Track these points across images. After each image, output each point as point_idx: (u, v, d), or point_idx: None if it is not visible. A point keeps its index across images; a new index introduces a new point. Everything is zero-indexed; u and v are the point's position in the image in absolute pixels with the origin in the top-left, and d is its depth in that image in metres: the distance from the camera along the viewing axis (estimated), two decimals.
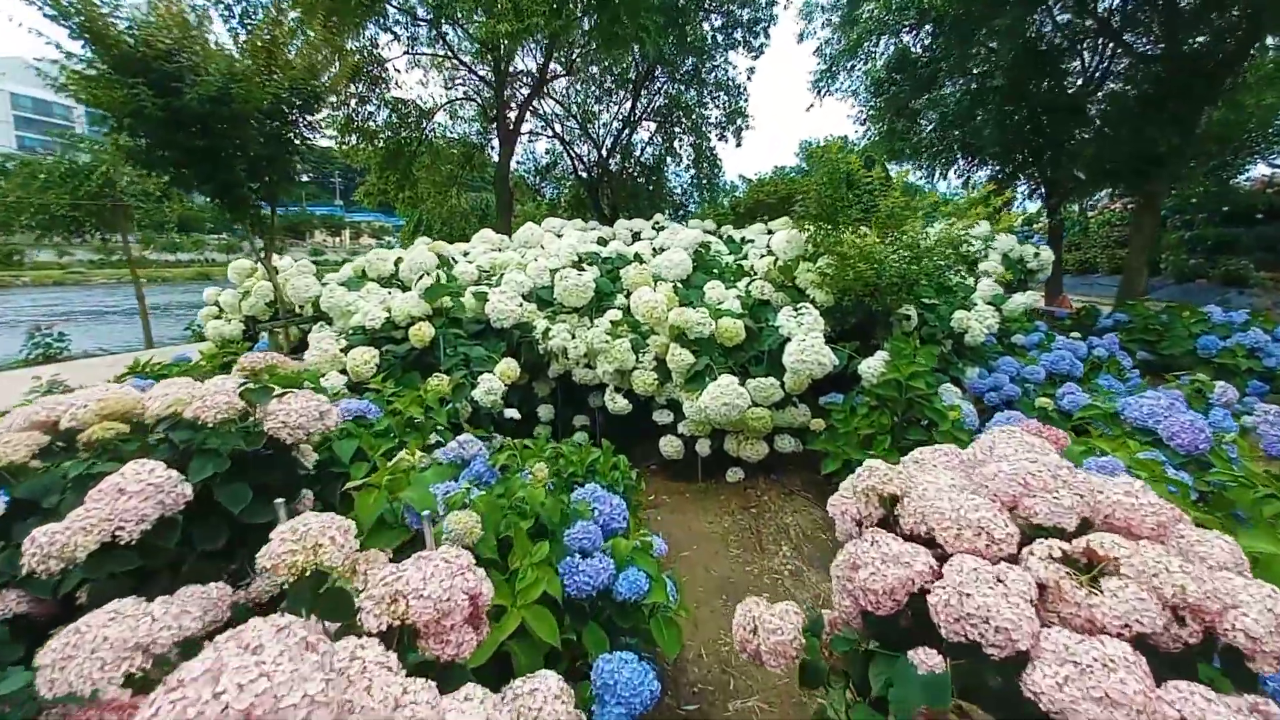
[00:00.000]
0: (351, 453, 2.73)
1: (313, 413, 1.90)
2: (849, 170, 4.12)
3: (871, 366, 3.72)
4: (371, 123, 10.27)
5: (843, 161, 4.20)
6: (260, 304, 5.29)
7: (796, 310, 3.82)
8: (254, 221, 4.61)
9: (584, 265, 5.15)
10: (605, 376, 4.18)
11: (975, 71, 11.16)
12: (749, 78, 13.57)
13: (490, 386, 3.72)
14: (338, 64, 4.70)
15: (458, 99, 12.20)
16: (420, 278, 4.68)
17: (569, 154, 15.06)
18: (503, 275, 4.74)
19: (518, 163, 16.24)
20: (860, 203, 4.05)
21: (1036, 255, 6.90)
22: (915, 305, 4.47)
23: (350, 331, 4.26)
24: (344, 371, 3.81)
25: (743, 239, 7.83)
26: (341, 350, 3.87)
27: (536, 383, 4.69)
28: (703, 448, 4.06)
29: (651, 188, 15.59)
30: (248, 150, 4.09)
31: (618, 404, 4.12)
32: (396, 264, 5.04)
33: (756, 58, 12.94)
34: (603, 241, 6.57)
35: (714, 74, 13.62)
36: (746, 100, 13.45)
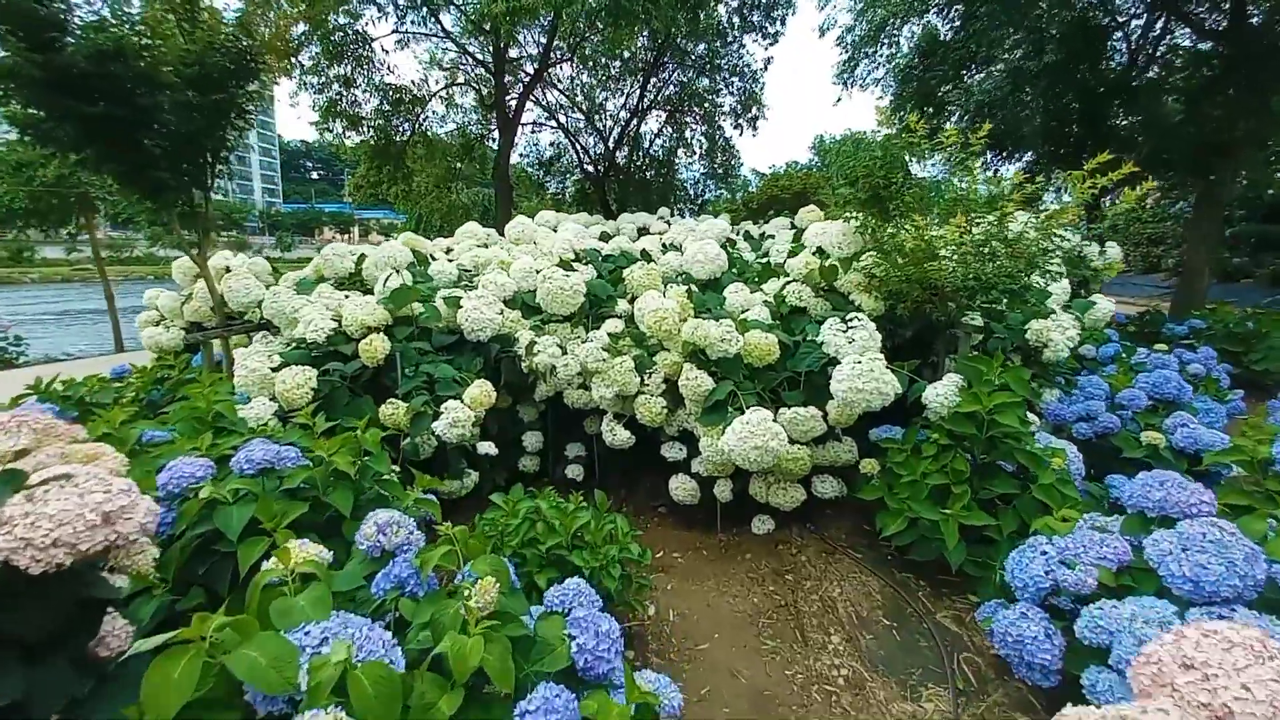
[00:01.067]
0: (242, 525, 1.98)
1: (89, 520, 1.12)
2: (917, 146, 3.28)
3: (941, 394, 2.90)
4: (358, 109, 9.50)
5: (903, 140, 3.36)
6: (205, 308, 4.54)
7: (846, 323, 3.00)
8: (185, 213, 3.86)
9: (576, 264, 4.36)
10: (603, 402, 3.39)
11: (1014, 54, 10.22)
12: (765, 67, 12.71)
13: (456, 417, 2.94)
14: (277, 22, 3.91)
15: (454, 84, 11.42)
16: (387, 277, 3.91)
17: (574, 146, 14.27)
18: (483, 276, 3.96)
19: (520, 155, 15.50)
20: (924, 185, 3.22)
21: (1102, 253, 6.02)
22: (980, 313, 3.66)
23: (293, 345, 3.51)
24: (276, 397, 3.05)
25: (762, 234, 7.06)
26: (274, 369, 3.11)
27: (522, 406, 3.91)
28: (723, 491, 3.26)
29: (662, 181, 14.78)
30: (163, 123, 3.34)
31: (618, 436, 3.33)
32: (359, 262, 4.28)
33: (772, 45, 12.08)
34: (606, 237, 5.78)
35: (727, 59, 12.77)
36: (762, 87, 12.58)
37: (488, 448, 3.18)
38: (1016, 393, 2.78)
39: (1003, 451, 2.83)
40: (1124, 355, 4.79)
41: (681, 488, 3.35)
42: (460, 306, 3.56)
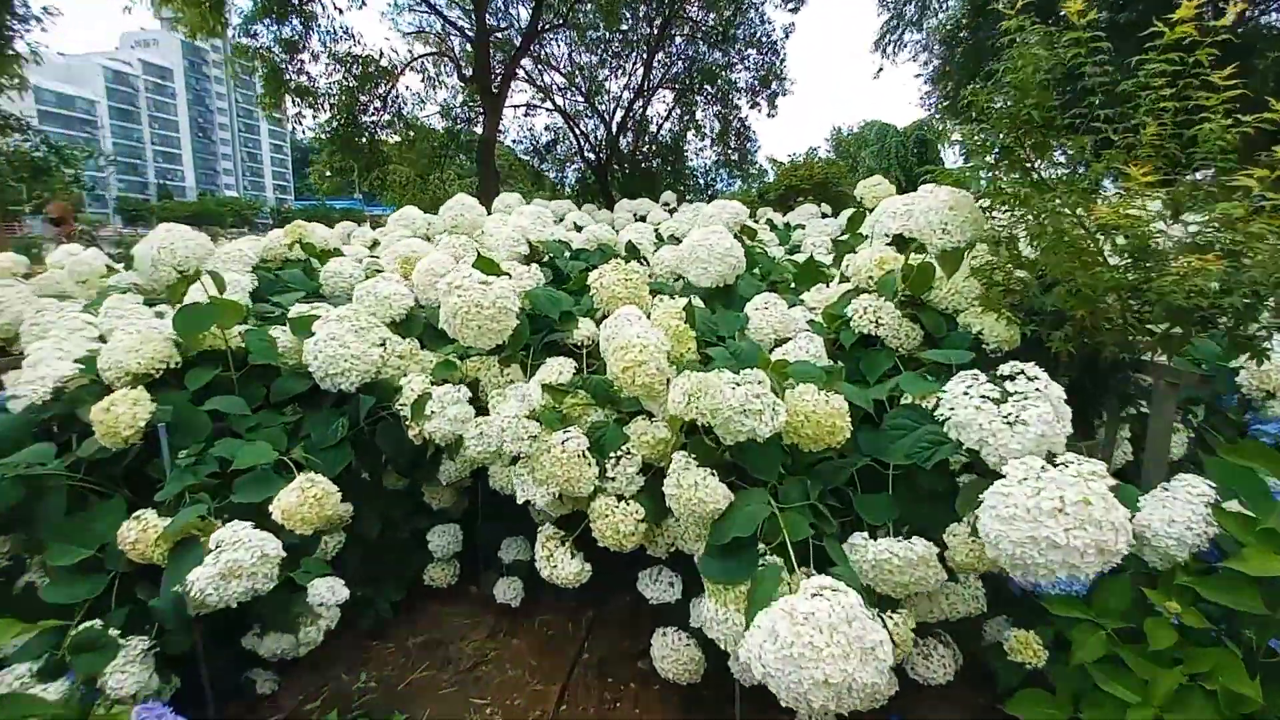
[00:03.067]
0: None
1: None
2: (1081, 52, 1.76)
3: (1180, 522, 1.44)
4: (313, 81, 8.12)
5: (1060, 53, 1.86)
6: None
7: (1000, 383, 1.51)
8: None
9: (515, 265, 2.93)
10: (538, 500, 1.96)
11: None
12: (786, 35, 11.19)
13: (235, 560, 1.52)
14: None
15: (431, 55, 10.04)
16: (182, 285, 2.41)
17: (573, 131, 12.86)
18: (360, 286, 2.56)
19: (514, 142, 14.11)
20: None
21: None
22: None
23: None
24: None
25: (787, 225, 5.65)
26: None
27: (427, 488, 2.50)
28: (746, 671, 1.83)
29: (670, 169, 13.34)
30: None
31: (560, 568, 1.89)
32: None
33: (795, 10, 10.55)
34: (580, 229, 4.37)
35: (742, 30, 11.26)
36: (783, 60, 11.05)
37: (326, 593, 1.77)
38: None
39: None
40: None
41: (673, 657, 1.91)
42: (311, 334, 2.17)
